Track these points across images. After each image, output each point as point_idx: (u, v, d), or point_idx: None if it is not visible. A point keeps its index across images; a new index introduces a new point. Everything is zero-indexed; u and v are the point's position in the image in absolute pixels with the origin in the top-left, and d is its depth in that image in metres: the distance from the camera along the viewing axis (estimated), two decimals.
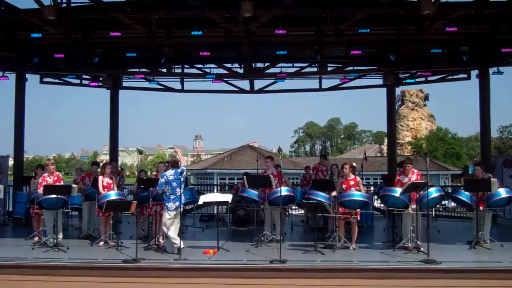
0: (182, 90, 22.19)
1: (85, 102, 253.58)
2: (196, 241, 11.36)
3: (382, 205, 15.92)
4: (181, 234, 11.55)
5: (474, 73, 18.85)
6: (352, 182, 12.06)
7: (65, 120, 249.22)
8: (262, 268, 10.09)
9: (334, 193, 12.17)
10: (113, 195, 12.44)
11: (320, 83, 21.65)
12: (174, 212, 11.39)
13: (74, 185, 12.57)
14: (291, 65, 20.17)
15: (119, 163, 21.89)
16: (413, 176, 12.06)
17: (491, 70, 18.02)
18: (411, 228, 11.68)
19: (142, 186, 12.88)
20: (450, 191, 15.08)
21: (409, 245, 11.63)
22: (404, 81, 21.18)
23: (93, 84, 20.88)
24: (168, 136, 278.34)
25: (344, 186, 12.06)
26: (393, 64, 18.61)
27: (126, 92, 22.79)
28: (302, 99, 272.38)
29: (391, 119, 21.46)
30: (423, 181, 11.74)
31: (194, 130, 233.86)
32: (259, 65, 20.19)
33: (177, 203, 11.39)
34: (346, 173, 12.14)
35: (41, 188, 12.32)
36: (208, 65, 20.21)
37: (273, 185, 12.35)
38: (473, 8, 14.23)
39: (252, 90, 21.80)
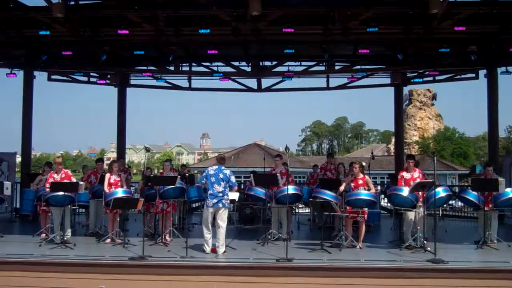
0: (189, 88, 22.22)
1: (92, 100, 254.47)
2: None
3: (389, 204, 15.90)
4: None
5: (482, 72, 18.83)
6: (361, 181, 12.05)
7: (72, 117, 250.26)
8: (269, 267, 10.09)
9: (342, 187, 12.15)
10: (120, 192, 12.46)
11: (327, 81, 21.63)
12: (211, 209, 11.27)
13: (81, 182, 12.59)
14: (298, 63, 20.16)
15: (126, 160, 21.92)
16: (415, 173, 12.06)
17: (499, 70, 18.03)
18: (418, 227, 11.67)
19: (149, 184, 12.91)
20: (457, 190, 15.04)
21: (412, 244, 11.63)
22: (411, 81, 21.12)
23: (101, 81, 20.94)
24: (175, 134, 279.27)
25: (352, 184, 12.05)
26: (401, 63, 18.56)
27: (134, 89, 22.86)
28: (310, 98, 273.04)
29: (398, 118, 21.43)
30: (431, 180, 11.72)
31: (201, 128, 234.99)
32: (267, 63, 20.16)
33: (215, 200, 11.20)
34: (356, 172, 12.12)
35: (47, 185, 12.42)
36: (215, 63, 20.23)
37: (280, 184, 12.35)
38: (481, 7, 14.16)
39: (259, 89, 21.80)
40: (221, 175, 11.30)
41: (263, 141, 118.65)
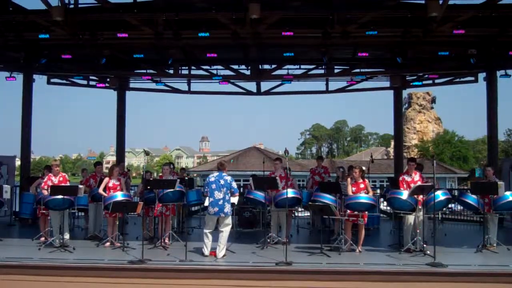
0: (189, 92, 22.23)
1: (92, 103, 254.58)
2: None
3: (388, 207, 15.89)
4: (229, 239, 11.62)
5: (481, 75, 18.86)
6: (362, 185, 12.05)
7: (72, 120, 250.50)
8: (268, 270, 10.08)
9: (350, 191, 12.09)
10: (119, 196, 12.45)
11: (327, 85, 21.65)
12: (213, 217, 11.29)
13: (80, 186, 12.59)
14: (298, 67, 20.14)
15: (126, 164, 21.90)
16: (416, 176, 12.09)
17: (498, 73, 18.02)
18: (418, 231, 11.67)
19: (148, 187, 12.89)
20: (456, 194, 15.03)
21: (412, 247, 11.63)
22: (411, 84, 21.12)
23: (100, 85, 20.95)
24: (175, 138, 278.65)
25: (354, 188, 12.05)
26: (400, 67, 18.56)
27: (133, 93, 22.85)
28: (309, 101, 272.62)
29: (397, 121, 21.41)
30: (430, 184, 11.72)
31: (200, 131, 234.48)
32: (266, 66, 20.22)
33: (216, 209, 11.18)
34: (356, 177, 12.10)
35: (45, 187, 12.45)
36: (215, 67, 20.22)
37: (279, 187, 12.32)
38: (480, 10, 14.18)
39: (259, 92, 21.80)
40: (222, 182, 11.27)
41: (262, 144, 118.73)
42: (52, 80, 21.05)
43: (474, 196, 12.40)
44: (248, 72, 19.93)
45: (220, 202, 11.16)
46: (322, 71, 20.42)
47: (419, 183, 11.84)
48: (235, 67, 19.98)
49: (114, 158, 26.93)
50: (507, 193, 12.11)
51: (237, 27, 14.98)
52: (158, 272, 10.17)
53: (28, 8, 15.33)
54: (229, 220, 11.40)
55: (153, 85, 21.91)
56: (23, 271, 10.23)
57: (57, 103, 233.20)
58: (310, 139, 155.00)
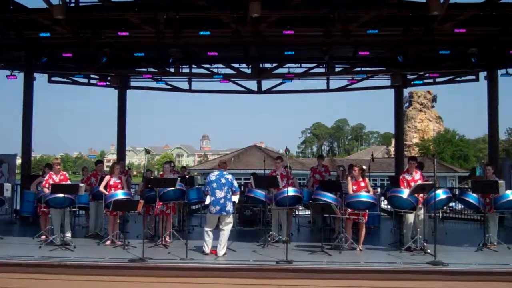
0: (189, 90, 22.21)
1: (92, 102, 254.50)
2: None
3: (389, 206, 15.88)
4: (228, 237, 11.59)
5: (482, 74, 18.78)
6: (362, 184, 12.05)
7: (72, 119, 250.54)
8: (269, 269, 10.08)
9: (351, 190, 12.07)
10: (120, 194, 12.46)
11: (327, 83, 21.62)
12: (215, 216, 11.30)
13: (81, 184, 12.59)
14: (298, 65, 20.13)
15: (126, 162, 21.90)
16: (416, 175, 12.09)
17: (499, 72, 17.97)
18: (418, 230, 11.66)
19: (149, 186, 12.90)
20: (457, 193, 15.03)
21: (412, 246, 11.63)
22: (412, 82, 21.12)
23: (101, 83, 20.93)
24: (175, 136, 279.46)
25: (354, 187, 12.04)
26: (401, 65, 18.55)
27: (134, 91, 22.85)
28: (310, 100, 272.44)
29: (398, 120, 21.41)
30: (431, 182, 11.72)
31: (201, 130, 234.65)
32: (267, 65, 20.16)
33: (218, 208, 11.17)
34: (356, 175, 12.10)
35: (46, 185, 12.46)
36: (215, 65, 20.20)
37: (280, 185, 12.32)
38: (482, 9, 14.17)
39: (259, 91, 21.79)
40: (223, 180, 11.26)
41: (263, 143, 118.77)
42: (53, 79, 21.09)
43: (474, 195, 12.39)
44: (249, 71, 19.91)
45: (222, 201, 11.15)
46: (323, 70, 20.38)
47: (419, 181, 11.83)
48: (236, 65, 19.95)
49: (115, 157, 26.91)
50: (508, 192, 12.10)
51: (238, 26, 14.98)
52: (159, 271, 10.17)
53: (29, 6, 15.33)
54: (230, 219, 11.40)
55: (154, 84, 21.94)
56: (23, 269, 10.22)
57: (58, 102, 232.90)
58: (311, 138, 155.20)
